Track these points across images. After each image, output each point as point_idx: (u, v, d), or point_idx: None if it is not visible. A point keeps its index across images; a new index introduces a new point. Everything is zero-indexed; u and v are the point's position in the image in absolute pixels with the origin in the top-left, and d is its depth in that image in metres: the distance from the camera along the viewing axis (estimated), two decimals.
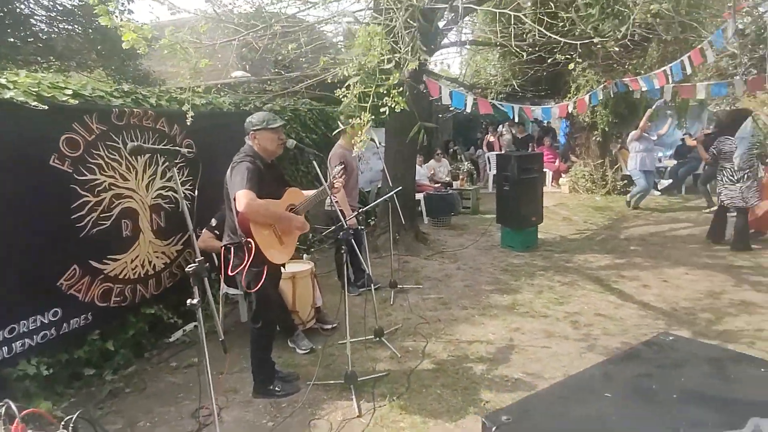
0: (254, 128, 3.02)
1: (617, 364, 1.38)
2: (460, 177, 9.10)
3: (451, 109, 10.25)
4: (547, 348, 3.62)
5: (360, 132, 3.24)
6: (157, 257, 3.87)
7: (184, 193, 3.34)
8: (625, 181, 10.24)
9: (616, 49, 6.22)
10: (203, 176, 3.41)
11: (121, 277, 3.52)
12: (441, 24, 6.09)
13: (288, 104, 6.39)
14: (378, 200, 5.22)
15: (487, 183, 11.42)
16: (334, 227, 4.41)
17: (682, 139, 11.31)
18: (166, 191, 3.96)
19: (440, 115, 11.61)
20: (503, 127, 12.31)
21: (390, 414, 2.86)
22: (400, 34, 3.16)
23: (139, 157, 3.67)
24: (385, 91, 3.11)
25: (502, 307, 4.46)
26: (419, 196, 8.13)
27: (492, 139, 12.51)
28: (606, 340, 3.70)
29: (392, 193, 4.58)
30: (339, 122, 4.59)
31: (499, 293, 4.80)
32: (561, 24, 6.28)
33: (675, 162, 10.91)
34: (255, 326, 3.07)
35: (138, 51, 3.34)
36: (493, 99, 9.45)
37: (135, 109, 3.67)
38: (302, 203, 3.14)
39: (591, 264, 5.66)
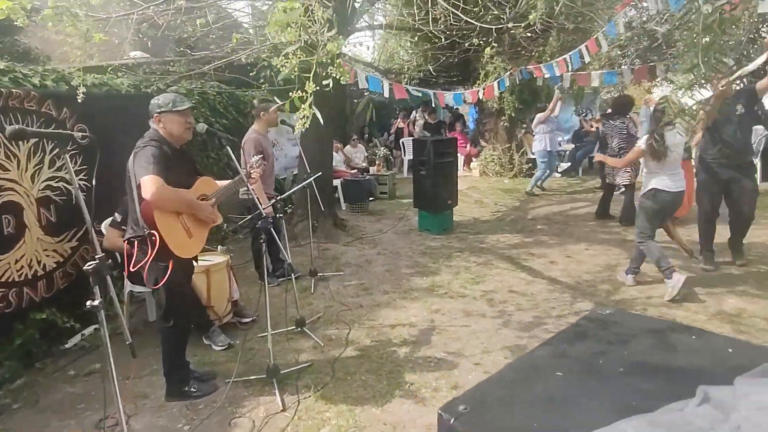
0: (159, 110, 2.77)
1: (563, 342, 1.42)
2: (377, 162, 9.12)
3: (365, 94, 10.26)
4: (466, 327, 3.74)
5: (303, 107, 2.98)
6: (48, 256, 3.47)
7: (78, 183, 3.01)
8: (530, 164, 10.86)
9: (527, 35, 6.46)
10: (100, 164, 3.09)
11: (3, 280, 3.11)
12: (356, 5, 5.99)
13: (195, 87, 5.98)
14: (295, 187, 5.08)
15: (402, 168, 11.57)
16: (250, 216, 4.22)
17: (580, 124, 12.19)
18: (57, 182, 3.56)
19: (355, 101, 11.52)
20: (416, 112, 12.50)
21: (315, 405, 2.80)
22: (315, 14, 3.03)
23: (21, 144, 3.25)
24: (328, 60, 2.90)
25: (423, 289, 4.55)
26: (336, 182, 8.05)
27: (402, 125, 12.63)
28: (519, 315, 3.89)
29: (310, 179, 4.46)
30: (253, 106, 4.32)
31: (419, 276, 4.89)
32: (474, 9, 6.44)
33: (573, 146, 11.73)
34: (165, 325, 2.85)
35: (16, 23, 2.92)
36: (407, 84, 9.53)
37: (14, 90, 3.23)
38: (215, 194, 2.94)
39: (503, 244, 5.93)
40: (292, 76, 2.94)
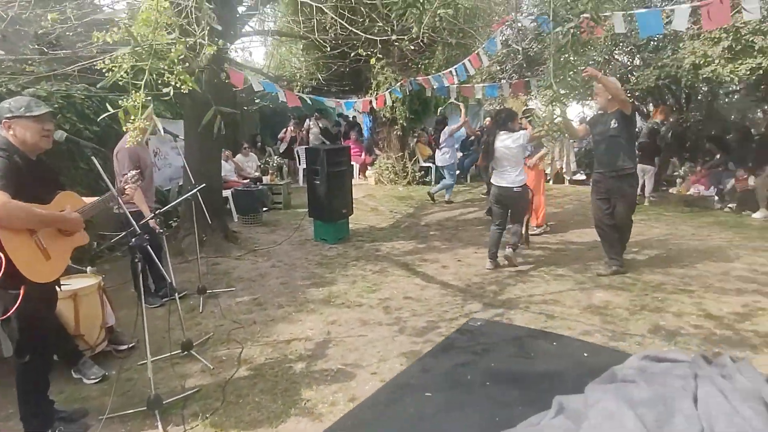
0: (8, 116, 2.41)
1: (434, 357, 1.44)
2: (270, 172, 8.87)
3: (257, 101, 9.96)
4: (363, 336, 3.72)
5: (136, 119, 2.69)
6: None
7: None
8: (423, 172, 11.26)
9: (411, 48, 6.68)
10: None
11: None
12: (241, 9, 5.78)
13: (57, 89, 5.36)
14: (178, 199, 4.73)
15: (298, 177, 11.38)
16: (124, 233, 3.85)
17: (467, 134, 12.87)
18: None
19: (245, 108, 11.13)
20: (310, 120, 12.39)
21: None
22: (193, 15, 2.85)
23: None
24: (166, 68, 2.65)
25: (319, 300, 4.47)
26: (227, 192, 7.69)
27: (293, 133, 12.32)
28: (414, 321, 3.97)
29: (194, 190, 4.19)
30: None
31: (316, 287, 4.80)
32: (361, 20, 6.52)
33: (461, 154, 12.35)
34: (21, 361, 2.48)
35: None
36: (299, 92, 9.42)
37: None
38: (80, 211, 2.62)
39: (398, 251, 6.05)
40: (120, 83, 2.67)
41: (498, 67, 10.78)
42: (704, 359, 1.70)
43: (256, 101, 9.76)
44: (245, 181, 8.68)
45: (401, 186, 10.88)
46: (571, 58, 3.46)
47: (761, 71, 6.68)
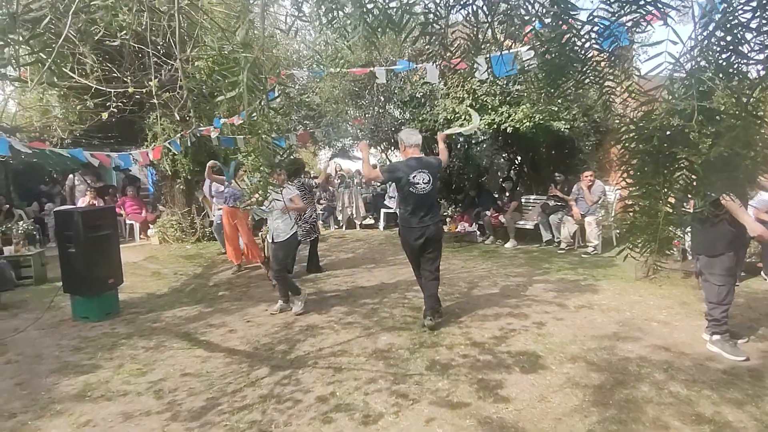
0: None
1: None
2: (14, 240, 7.29)
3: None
4: None
5: None
6: None
7: None
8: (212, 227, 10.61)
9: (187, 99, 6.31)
10: None
11: None
12: None
13: None
14: None
15: None
16: None
17: None
18: None
19: None
20: (75, 176, 10.76)
21: None
22: None
23: None
24: None
25: (70, 398, 3.66)
26: None
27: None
28: (192, 402, 3.51)
29: None
30: None
31: (67, 381, 3.94)
32: (116, 73, 5.93)
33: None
34: None
35: None
36: (54, 145, 8.16)
37: None
38: None
39: (179, 319, 5.43)
40: None
41: (282, 119, 10.97)
42: None
43: None
44: None
45: (189, 244, 10.05)
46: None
47: (495, 125, 8.07)
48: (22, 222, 7.97)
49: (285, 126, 10.92)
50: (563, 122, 7.93)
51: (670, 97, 1.59)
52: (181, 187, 10.19)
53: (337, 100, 10.35)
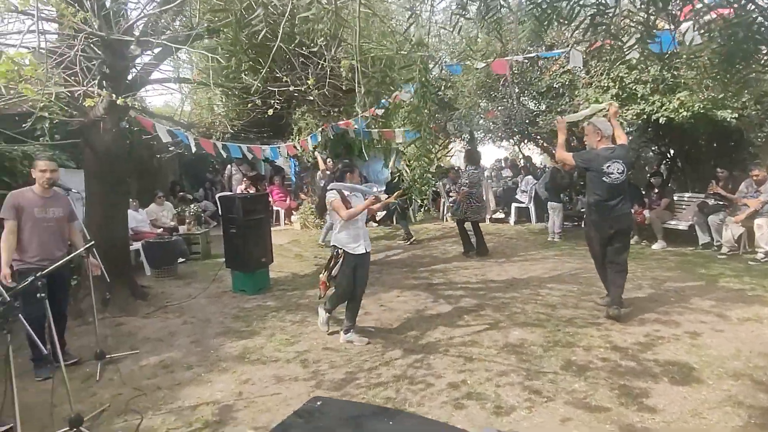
0: None
1: None
2: (186, 221, 8.48)
3: (171, 148, 9.61)
4: (277, 395, 3.52)
5: None
6: None
7: None
8: None
9: (326, 95, 6.75)
10: None
11: None
12: (146, 59, 5.62)
13: None
14: (65, 258, 4.34)
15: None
16: None
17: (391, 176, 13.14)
18: None
19: (158, 156, 10.72)
20: (232, 167, 12.13)
21: None
22: (79, 65, 2.69)
23: None
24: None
25: (233, 358, 4.21)
26: (137, 245, 7.24)
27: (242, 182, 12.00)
28: (332, 374, 3.82)
29: (83, 248, 3.87)
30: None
31: (230, 343, 4.53)
32: (277, 73, 6.54)
33: (386, 196, 12.52)
34: None
35: None
36: (217, 139, 9.24)
37: None
38: None
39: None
40: None
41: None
42: None
43: (171, 148, 9.40)
44: (159, 231, 8.23)
45: None
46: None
47: (645, 116, 7.38)
48: (193, 205, 9.21)
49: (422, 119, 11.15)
50: (730, 111, 6.97)
51: None
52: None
53: (470, 93, 10.28)
